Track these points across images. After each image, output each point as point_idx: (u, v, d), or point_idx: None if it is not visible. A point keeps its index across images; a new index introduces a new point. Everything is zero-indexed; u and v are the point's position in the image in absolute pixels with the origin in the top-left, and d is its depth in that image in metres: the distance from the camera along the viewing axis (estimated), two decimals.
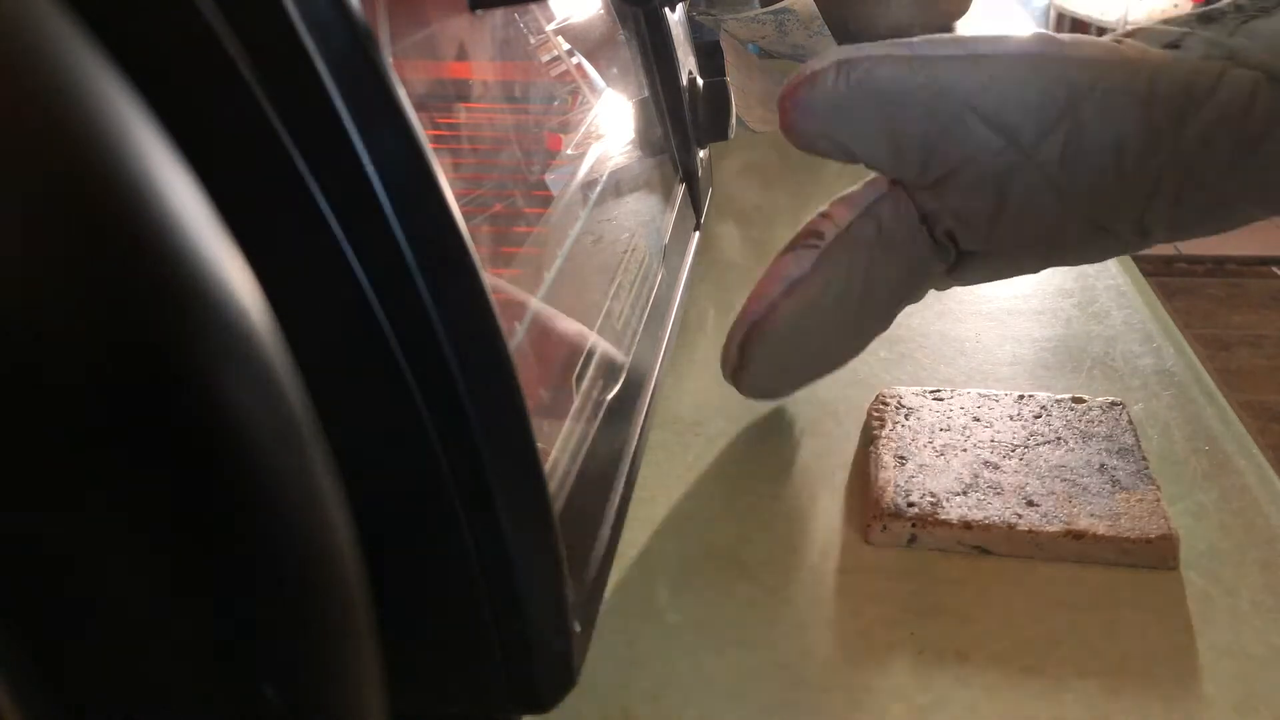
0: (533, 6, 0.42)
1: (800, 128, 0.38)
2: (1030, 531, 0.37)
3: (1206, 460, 0.42)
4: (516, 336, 0.29)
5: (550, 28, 0.44)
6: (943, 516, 0.38)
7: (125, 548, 0.13)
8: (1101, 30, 2.32)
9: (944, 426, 0.43)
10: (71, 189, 0.12)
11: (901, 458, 0.41)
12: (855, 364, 0.46)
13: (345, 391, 0.19)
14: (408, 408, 0.20)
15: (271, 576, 0.14)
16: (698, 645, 0.34)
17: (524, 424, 0.21)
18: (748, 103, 0.84)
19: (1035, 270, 0.44)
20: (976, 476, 0.40)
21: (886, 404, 0.45)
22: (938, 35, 0.38)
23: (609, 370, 0.34)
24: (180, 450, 0.13)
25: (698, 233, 0.53)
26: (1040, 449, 0.41)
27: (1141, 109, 0.36)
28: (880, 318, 0.43)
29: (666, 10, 0.48)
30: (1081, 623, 0.35)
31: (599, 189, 0.41)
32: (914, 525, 0.38)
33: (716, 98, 0.54)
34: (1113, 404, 0.44)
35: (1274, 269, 2.33)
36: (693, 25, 0.81)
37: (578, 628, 0.25)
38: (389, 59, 0.19)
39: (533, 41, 0.43)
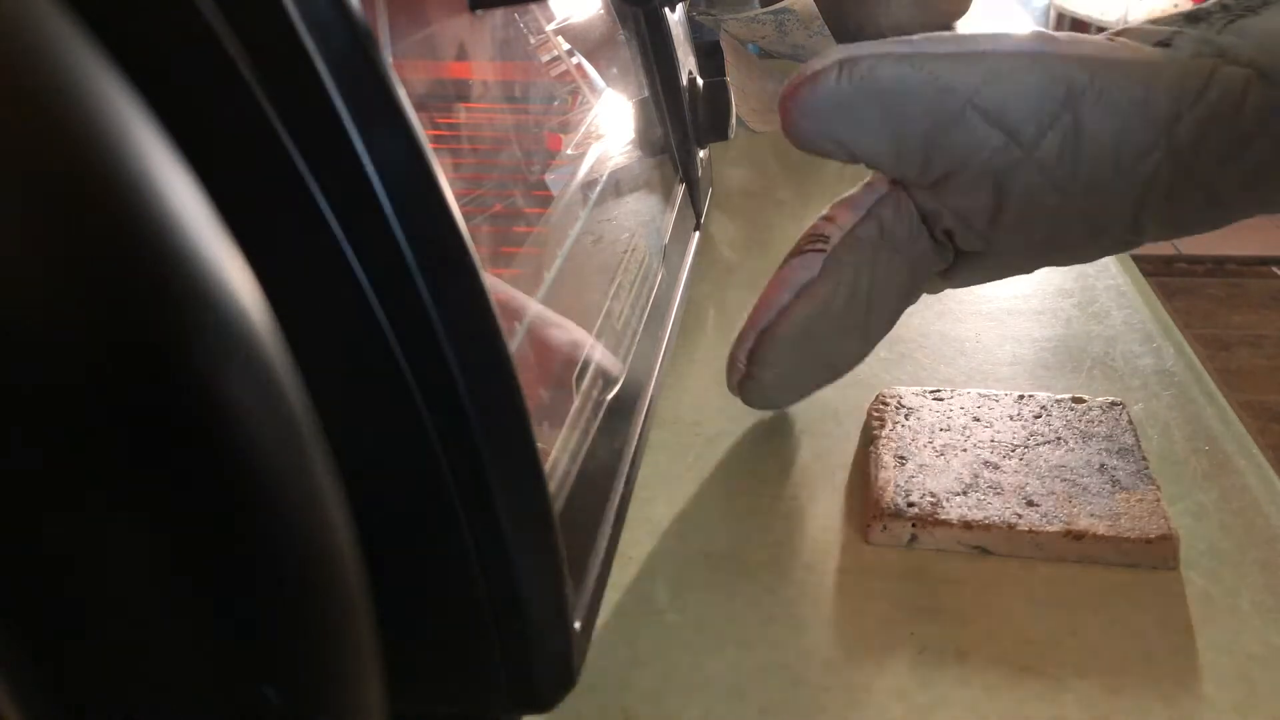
0: (533, 6, 0.42)
1: (802, 127, 0.38)
2: (1030, 531, 0.37)
3: (1206, 460, 0.42)
4: (517, 337, 0.29)
5: (550, 28, 0.44)
6: (943, 516, 0.38)
7: (125, 548, 0.13)
8: (1101, 29, 2.32)
9: (944, 426, 0.43)
10: (71, 189, 0.12)
11: (901, 458, 0.41)
12: None
13: (345, 391, 0.19)
14: (408, 408, 0.20)
15: (271, 576, 0.14)
16: (698, 645, 0.34)
17: (524, 424, 0.21)
18: (748, 103, 0.84)
19: (1029, 271, 0.44)
20: (976, 476, 0.40)
21: (886, 404, 0.45)
22: (938, 33, 0.39)
23: (608, 371, 0.34)
24: (180, 450, 0.13)
25: (698, 233, 0.53)
26: (1040, 449, 0.41)
27: (1138, 106, 0.37)
28: (885, 320, 0.43)
29: (666, 10, 0.48)
30: (1081, 623, 0.35)
31: (599, 189, 0.41)
32: (914, 525, 0.38)
33: (716, 98, 0.54)
34: (1113, 404, 0.44)
35: (1274, 269, 2.33)
36: (693, 25, 0.81)
37: (578, 628, 0.25)
38: (389, 59, 0.19)
39: (533, 41, 0.43)
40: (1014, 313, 0.55)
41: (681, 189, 0.51)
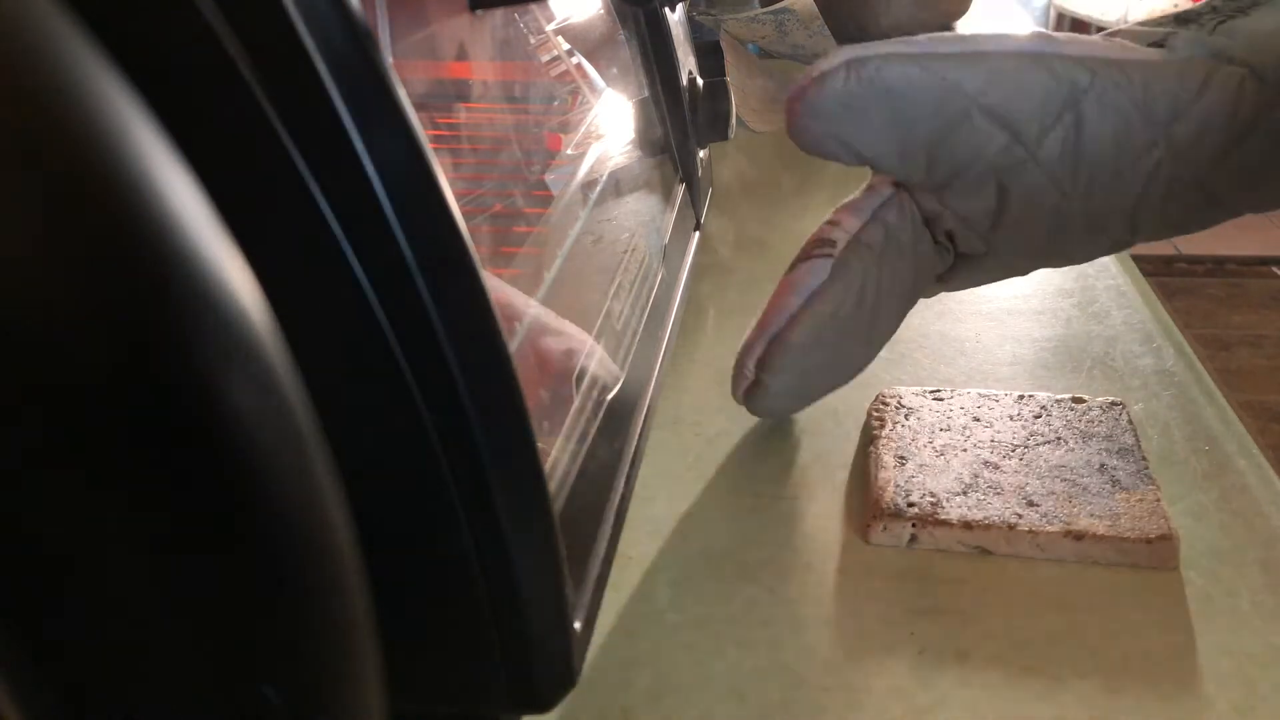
0: (533, 6, 0.42)
1: (809, 129, 0.38)
2: (1030, 531, 0.37)
3: (1206, 460, 0.42)
4: (517, 337, 0.29)
5: (550, 28, 0.44)
6: (943, 516, 0.38)
7: (125, 548, 0.13)
8: (1101, 29, 2.32)
9: (944, 426, 0.43)
10: (71, 189, 0.12)
11: (901, 458, 0.41)
12: None
13: (345, 391, 0.19)
14: (408, 408, 0.20)
15: (271, 576, 0.14)
16: (698, 645, 0.34)
17: (524, 424, 0.21)
18: (748, 103, 0.84)
19: (1025, 273, 0.44)
20: (976, 476, 0.40)
21: (886, 404, 0.45)
22: (943, 34, 0.39)
23: (606, 376, 0.34)
24: (180, 450, 0.13)
25: (698, 233, 0.53)
26: (1040, 449, 0.41)
27: (1138, 106, 0.37)
28: (888, 325, 0.43)
29: (666, 10, 0.48)
30: (1081, 623, 0.35)
31: (599, 189, 0.41)
32: (914, 525, 0.38)
33: (716, 98, 0.54)
34: (1113, 404, 0.44)
35: (1274, 269, 2.33)
36: (693, 25, 0.81)
37: (578, 628, 0.25)
38: (389, 59, 0.19)
39: (533, 41, 0.43)
40: (1014, 313, 0.55)
41: (681, 189, 0.51)
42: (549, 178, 0.40)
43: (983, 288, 0.48)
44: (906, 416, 0.44)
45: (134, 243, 0.13)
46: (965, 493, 0.39)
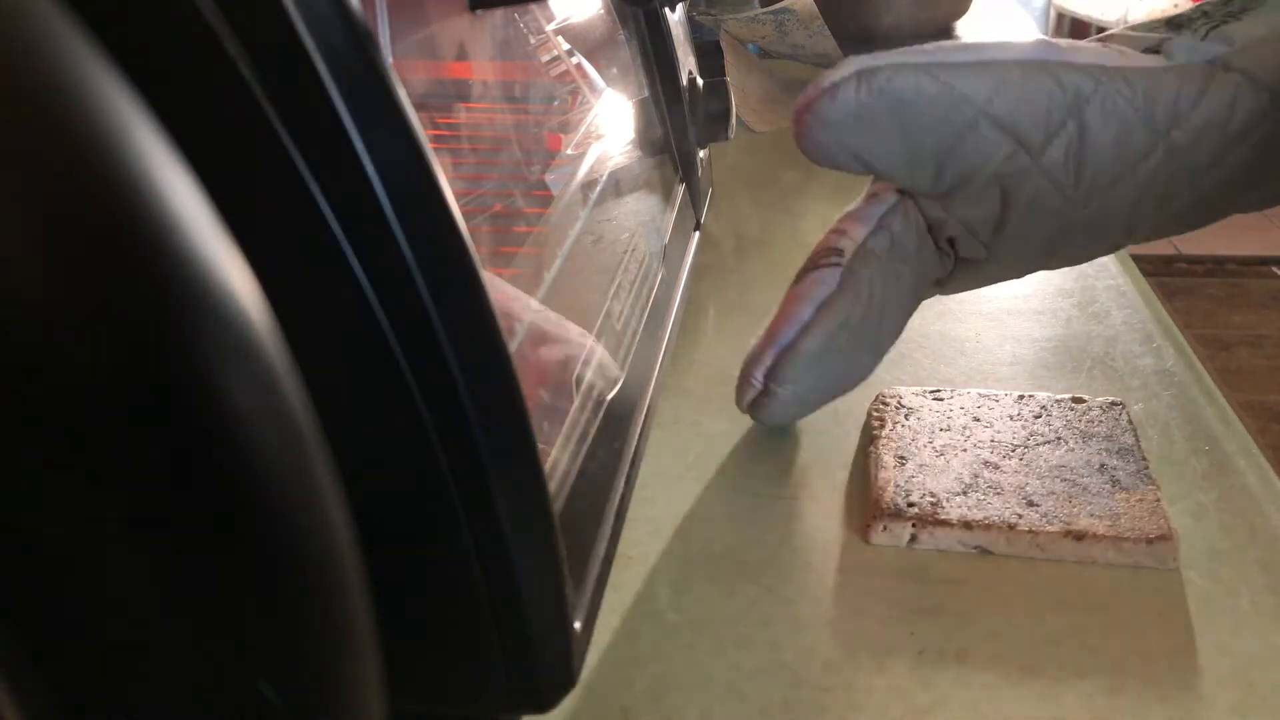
0: (533, 6, 0.42)
1: (819, 140, 0.38)
2: (1030, 531, 0.37)
3: (1206, 460, 0.42)
4: (517, 337, 0.29)
5: (550, 28, 0.44)
6: (943, 516, 0.38)
7: (125, 548, 0.13)
8: (1101, 29, 2.32)
9: (944, 426, 0.43)
10: (71, 189, 0.12)
11: (901, 458, 0.41)
12: None
13: (345, 391, 0.19)
14: (408, 408, 0.20)
15: (271, 576, 0.14)
16: (698, 645, 0.34)
17: (524, 424, 0.21)
18: (748, 103, 0.84)
19: (1021, 276, 0.45)
20: (976, 476, 0.40)
21: (886, 404, 0.45)
22: (946, 42, 0.39)
23: (608, 371, 0.34)
24: (180, 450, 0.13)
25: (698, 233, 0.53)
26: (1040, 449, 0.41)
27: (1139, 112, 0.38)
28: (892, 331, 0.43)
29: (666, 10, 0.48)
30: (1081, 623, 0.35)
31: (599, 189, 0.41)
32: (914, 525, 0.38)
33: (716, 98, 0.54)
34: (1113, 404, 0.44)
35: (1274, 269, 2.33)
36: (693, 25, 0.81)
37: (578, 628, 0.25)
38: (389, 59, 0.19)
39: (533, 41, 0.43)
40: (1014, 313, 0.55)
41: (681, 189, 0.51)
42: (549, 178, 0.40)
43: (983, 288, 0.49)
44: (906, 416, 0.44)
45: (134, 243, 0.13)
46: (965, 493, 0.39)
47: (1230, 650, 0.34)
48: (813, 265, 0.41)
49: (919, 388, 0.46)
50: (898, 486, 0.39)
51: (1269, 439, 1.75)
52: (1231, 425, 0.45)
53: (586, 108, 0.45)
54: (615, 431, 0.33)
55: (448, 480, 0.20)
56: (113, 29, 0.14)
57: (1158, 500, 0.38)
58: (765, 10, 0.89)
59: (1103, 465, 0.40)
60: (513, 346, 0.21)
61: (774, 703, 0.32)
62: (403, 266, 0.19)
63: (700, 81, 0.54)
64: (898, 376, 0.49)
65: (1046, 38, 0.41)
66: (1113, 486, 0.39)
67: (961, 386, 0.46)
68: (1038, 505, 0.38)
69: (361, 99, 0.18)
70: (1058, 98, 0.37)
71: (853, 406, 0.46)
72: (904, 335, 0.51)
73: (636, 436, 0.34)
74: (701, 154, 0.56)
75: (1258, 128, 0.38)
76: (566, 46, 0.45)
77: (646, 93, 0.49)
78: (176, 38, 0.16)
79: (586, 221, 0.38)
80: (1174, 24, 0.40)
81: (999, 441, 0.42)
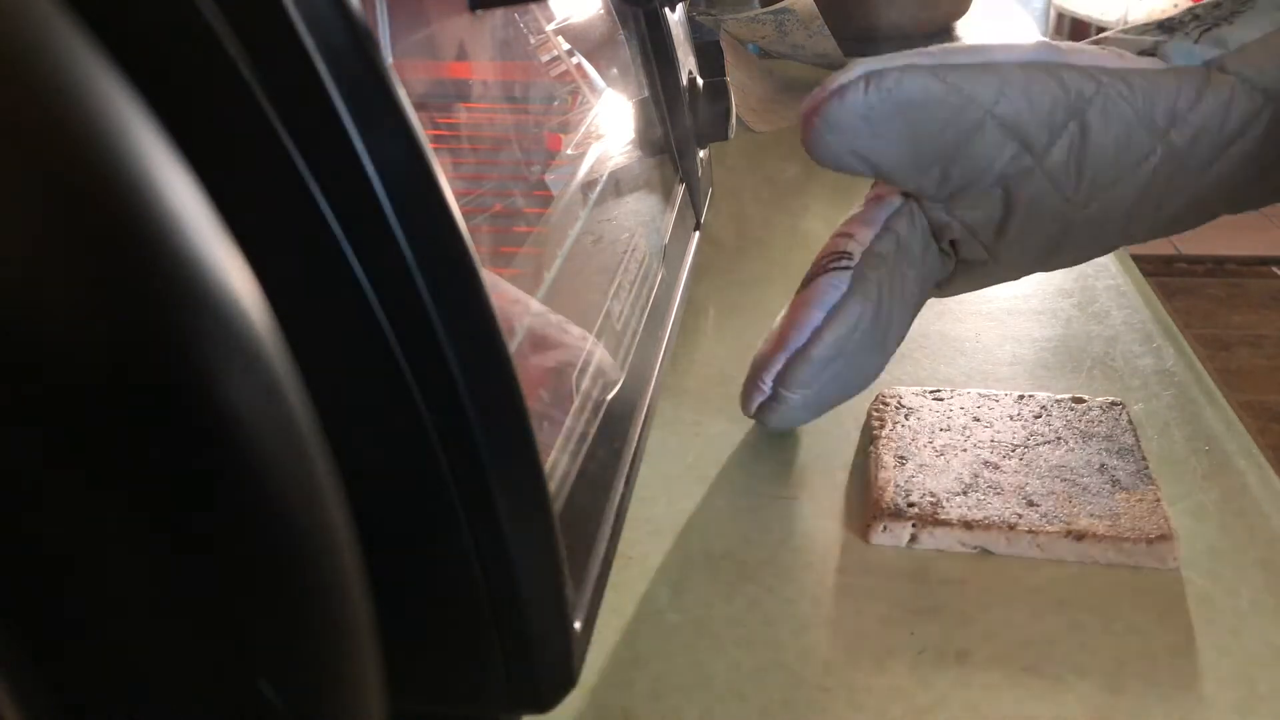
0: (533, 6, 0.42)
1: (827, 143, 0.38)
2: (1030, 531, 0.37)
3: (1206, 460, 0.42)
4: (517, 338, 0.29)
5: (550, 28, 0.44)
6: (943, 516, 0.38)
7: (125, 548, 0.13)
8: (1101, 29, 2.32)
9: (944, 426, 0.43)
10: (71, 189, 0.12)
11: (901, 458, 0.41)
12: None
13: (345, 391, 0.19)
14: (408, 408, 0.20)
15: (271, 576, 0.14)
16: (698, 645, 0.34)
17: (524, 424, 0.21)
18: (748, 103, 0.84)
19: (1018, 278, 0.45)
20: (976, 476, 0.40)
21: (886, 404, 0.45)
22: (953, 44, 0.39)
23: (608, 371, 0.34)
24: (180, 450, 0.13)
25: (698, 233, 0.53)
26: (1040, 449, 0.41)
27: (1139, 114, 0.38)
28: (899, 332, 0.43)
29: (666, 10, 0.48)
30: (1081, 623, 0.35)
31: (599, 189, 0.41)
32: (914, 525, 0.38)
33: (716, 98, 0.54)
34: (1113, 404, 0.44)
35: (1274, 269, 2.33)
36: (693, 25, 0.81)
37: (578, 628, 0.25)
38: (389, 59, 0.19)
39: (533, 41, 0.43)
40: (1014, 313, 0.55)
41: (681, 189, 0.51)
42: (549, 178, 0.40)
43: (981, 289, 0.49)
44: (906, 416, 0.44)
45: (134, 243, 0.13)
46: (965, 493, 0.39)
47: (1230, 650, 0.34)
48: (821, 269, 0.41)
49: (919, 388, 0.46)
50: (898, 486, 0.39)
51: (1269, 439, 1.75)
52: (1231, 425, 0.45)
53: (586, 108, 0.45)
54: (615, 432, 0.33)
55: (448, 480, 0.20)
56: (113, 29, 0.14)
57: (1158, 500, 0.38)
58: (765, 10, 0.89)
59: (1103, 465, 0.40)
60: (512, 347, 0.21)
61: (774, 703, 0.32)
62: (403, 266, 0.19)
63: (700, 81, 0.54)
64: (898, 376, 0.49)
65: (1047, 39, 0.41)
66: (1113, 486, 0.39)
67: (961, 386, 0.46)
68: (1038, 505, 0.38)
69: (361, 99, 0.18)
70: (1061, 99, 0.38)
71: (853, 406, 0.46)
72: None
73: (636, 437, 0.34)
74: (701, 154, 0.56)
75: (1251, 129, 0.39)
76: (566, 46, 0.45)
77: (646, 93, 0.49)
78: (176, 38, 0.16)
79: (586, 221, 0.38)
80: (1165, 27, 0.41)
81: (999, 441, 0.42)
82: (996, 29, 1.11)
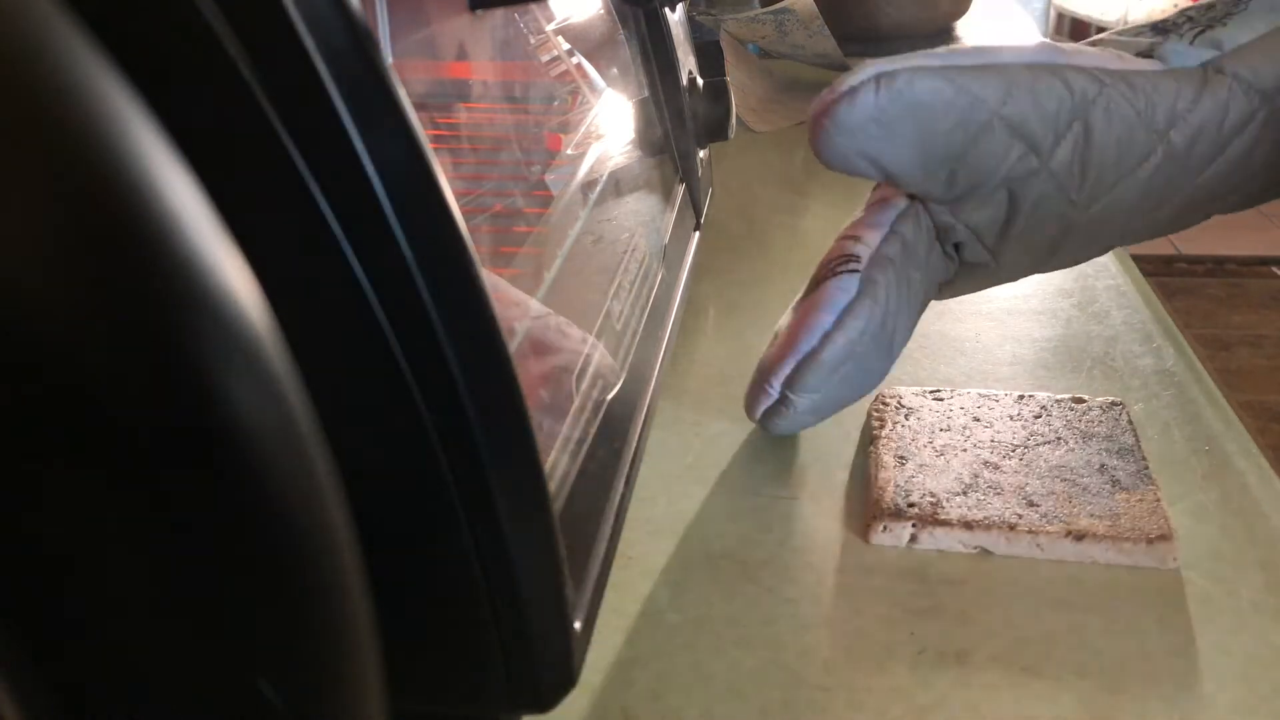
0: (533, 6, 0.42)
1: (837, 145, 0.38)
2: (1030, 531, 0.37)
3: (1206, 460, 0.42)
4: (517, 338, 0.29)
5: (550, 28, 0.44)
6: (943, 516, 0.38)
7: (125, 548, 0.13)
8: (1101, 29, 2.33)
9: (944, 426, 0.43)
10: (71, 189, 0.12)
11: (901, 458, 0.41)
12: None
13: (345, 391, 0.19)
14: (408, 408, 0.20)
15: (271, 576, 0.14)
16: (698, 645, 0.34)
17: (524, 424, 0.21)
18: (748, 103, 0.84)
19: (1017, 279, 0.45)
20: (976, 476, 0.40)
21: (886, 404, 0.45)
22: (958, 46, 0.39)
23: (608, 372, 0.34)
24: (180, 450, 0.13)
25: (698, 233, 0.53)
26: (1040, 449, 0.41)
27: (1141, 115, 0.39)
28: (905, 335, 0.43)
29: (666, 10, 0.48)
30: (1081, 623, 0.35)
31: (599, 189, 0.41)
32: (914, 525, 0.38)
33: (716, 98, 0.54)
34: (1113, 404, 0.44)
35: (1274, 269, 2.33)
36: (693, 25, 0.81)
37: (578, 628, 0.25)
38: (389, 59, 0.19)
39: (533, 41, 0.43)
40: (1014, 313, 0.55)
41: (681, 189, 0.51)
42: (549, 178, 0.40)
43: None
44: (906, 416, 0.44)
45: (134, 243, 0.13)
46: (965, 493, 0.39)
47: (1230, 650, 0.34)
48: (830, 273, 0.41)
49: (919, 388, 0.46)
50: (898, 486, 0.39)
51: (1269, 439, 1.75)
52: (1231, 425, 0.45)
53: (586, 108, 0.45)
54: (615, 432, 0.33)
55: (448, 480, 0.20)
56: (113, 29, 0.14)
57: (1158, 500, 0.38)
58: (765, 10, 0.89)
59: (1103, 465, 0.40)
60: (513, 346, 0.21)
61: (774, 703, 0.32)
62: (403, 266, 0.19)
63: (700, 81, 0.54)
64: (898, 376, 0.49)
65: (1049, 41, 0.41)
66: (1113, 486, 0.39)
67: (961, 386, 0.46)
68: (1038, 505, 0.38)
69: (361, 99, 0.18)
70: (1066, 100, 0.38)
71: (853, 406, 0.46)
72: None
73: (636, 437, 0.34)
74: (701, 154, 0.56)
75: (1247, 129, 0.39)
76: (566, 46, 0.45)
77: (646, 93, 0.49)
78: (176, 38, 0.16)
79: (586, 221, 0.38)
80: (1159, 29, 0.41)
81: (999, 441, 0.42)
82: (996, 29, 1.11)
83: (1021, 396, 0.45)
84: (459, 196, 0.23)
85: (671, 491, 0.42)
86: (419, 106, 0.19)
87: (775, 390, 0.42)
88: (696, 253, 0.51)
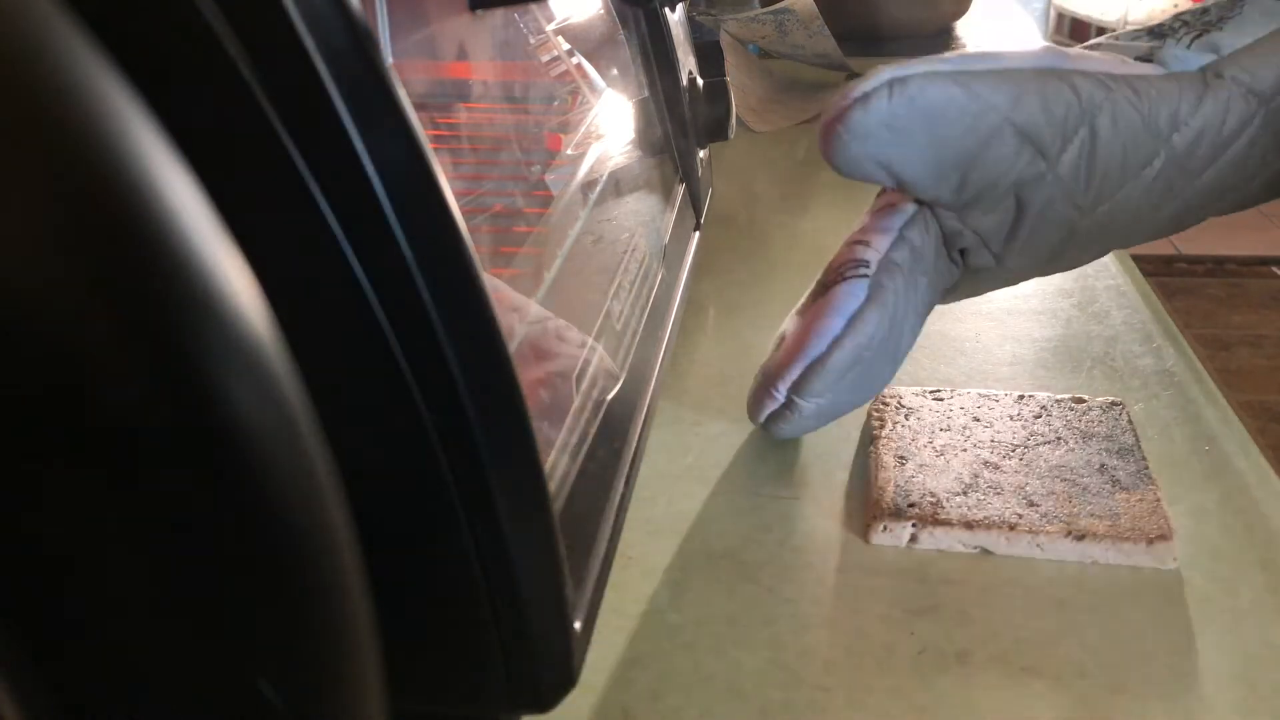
0: (533, 6, 0.42)
1: (849, 151, 0.38)
2: (1030, 531, 0.37)
3: (1206, 460, 0.42)
4: (517, 338, 0.29)
5: (550, 28, 0.44)
6: (943, 516, 0.38)
7: (125, 548, 0.13)
8: (1101, 30, 2.33)
9: (944, 426, 0.43)
10: (71, 189, 0.12)
11: (901, 458, 0.41)
12: None
13: (345, 391, 0.19)
14: (408, 408, 0.20)
15: (271, 576, 0.14)
16: (698, 645, 0.34)
17: (524, 424, 0.21)
18: (748, 103, 0.84)
19: (1019, 283, 0.45)
20: (976, 476, 0.40)
21: (886, 404, 0.45)
22: (970, 51, 0.39)
23: (608, 373, 0.34)
24: (180, 450, 0.13)
25: (698, 233, 0.53)
26: (1040, 449, 0.41)
27: (1144, 119, 0.39)
28: (910, 340, 0.43)
29: (666, 10, 0.48)
30: (1081, 623, 0.35)
31: (599, 189, 0.41)
32: (914, 525, 0.38)
33: (716, 98, 0.54)
34: (1113, 404, 0.44)
35: (1274, 269, 2.33)
36: (693, 25, 0.81)
37: (578, 628, 0.25)
38: (389, 59, 0.19)
39: (533, 41, 0.43)
40: (1014, 313, 0.55)
41: (681, 189, 0.51)
42: (549, 178, 0.40)
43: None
44: (906, 416, 0.44)
45: (134, 243, 0.13)
46: (965, 493, 0.39)
47: (1230, 650, 0.34)
48: (838, 277, 0.41)
49: (919, 388, 0.46)
50: (898, 486, 0.39)
51: (1269, 439, 1.75)
52: (1231, 425, 0.45)
53: (586, 108, 0.45)
54: (615, 432, 0.33)
55: (448, 480, 0.20)
56: (113, 29, 0.14)
57: (1158, 500, 0.38)
58: (765, 10, 0.89)
59: (1103, 465, 0.40)
60: (513, 346, 0.21)
61: (774, 703, 0.32)
62: (403, 266, 0.19)
63: (700, 81, 0.54)
64: (898, 376, 0.49)
65: (1052, 45, 0.41)
66: (1113, 486, 0.39)
67: (961, 386, 0.46)
68: (1038, 505, 0.38)
69: (361, 99, 0.18)
70: (1074, 105, 0.38)
71: None
72: None
73: (636, 437, 0.34)
74: (701, 154, 0.56)
75: (1245, 131, 0.39)
76: (566, 46, 0.45)
77: (646, 93, 0.49)
78: (176, 38, 0.16)
79: (586, 221, 0.38)
80: (1156, 33, 0.41)
81: (999, 441, 0.42)
82: (997, 29, 1.11)
83: (1021, 396, 0.45)
84: (459, 196, 0.23)
85: (671, 491, 0.42)
86: (419, 106, 0.19)
87: (781, 395, 0.41)
88: (696, 253, 0.51)
